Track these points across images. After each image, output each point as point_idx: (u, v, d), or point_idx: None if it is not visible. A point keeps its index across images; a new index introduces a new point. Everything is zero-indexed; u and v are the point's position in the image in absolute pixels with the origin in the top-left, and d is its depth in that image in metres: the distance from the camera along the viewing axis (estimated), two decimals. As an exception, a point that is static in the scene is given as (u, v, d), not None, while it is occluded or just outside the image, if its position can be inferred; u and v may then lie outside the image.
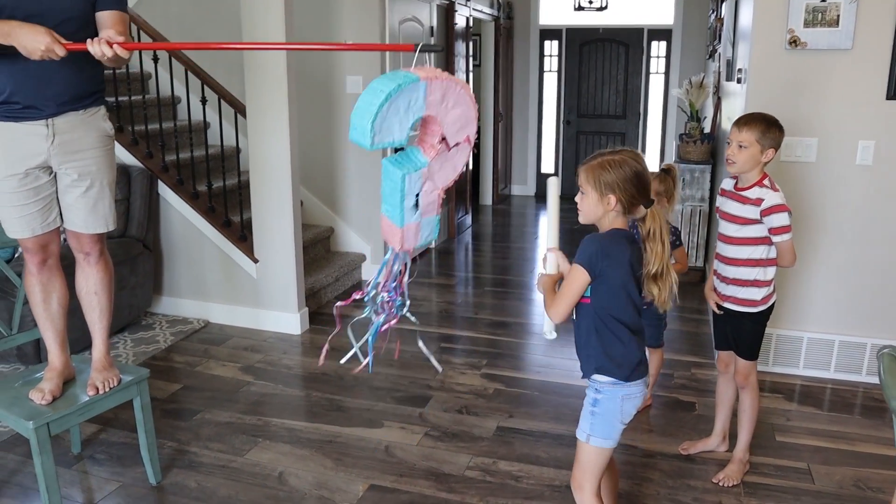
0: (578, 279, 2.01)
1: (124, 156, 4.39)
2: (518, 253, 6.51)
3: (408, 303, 2.02)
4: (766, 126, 2.56)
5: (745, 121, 2.60)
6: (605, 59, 8.28)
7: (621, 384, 2.04)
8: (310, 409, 3.44)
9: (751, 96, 3.58)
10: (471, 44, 6.78)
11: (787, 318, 3.73)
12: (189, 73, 4.40)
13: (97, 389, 2.57)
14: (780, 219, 2.56)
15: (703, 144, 5.23)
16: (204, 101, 4.39)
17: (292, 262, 4.26)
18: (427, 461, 2.95)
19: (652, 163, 8.38)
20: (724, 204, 2.72)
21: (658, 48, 8.10)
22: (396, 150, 1.88)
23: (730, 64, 4.65)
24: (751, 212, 2.59)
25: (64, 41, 2.17)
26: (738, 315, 2.72)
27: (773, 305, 2.73)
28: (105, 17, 2.38)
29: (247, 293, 4.42)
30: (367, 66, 5.06)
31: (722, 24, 5.35)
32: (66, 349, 2.66)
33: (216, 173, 4.62)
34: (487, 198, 8.27)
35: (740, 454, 2.85)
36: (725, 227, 2.70)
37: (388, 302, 2.06)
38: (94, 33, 2.37)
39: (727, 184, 2.75)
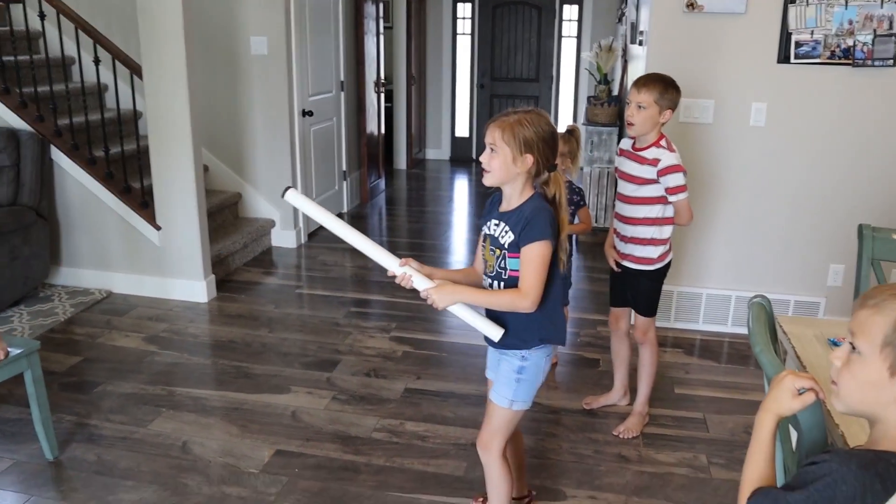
0: (547, 256, 1.88)
1: (12, 119, 4.16)
2: (432, 217, 6.52)
3: None
4: (664, 87, 2.61)
5: (643, 82, 2.64)
6: (518, 22, 8.30)
7: (546, 346, 2.02)
8: (216, 377, 3.39)
9: (651, 59, 3.65)
10: (381, 6, 6.67)
11: (686, 275, 3.87)
12: (80, 31, 4.18)
13: (-18, 363, 2.46)
14: (676, 178, 2.63)
15: (610, 107, 5.32)
16: (97, 61, 4.18)
17: (196, 228, 4.15)
18: (334, 425, 2.95)
19: (563, 126, 8.50)
20: (622, 164, 2.78)
21: (570, 11, 8.16)
22: None
23: (634, 27, 4.73)
24: (648, 172, 2.66)
25: None
26: (635, 273, 2.80)
27: (669, 263, 2.82)
28: None
29: (150, 262, 4.28)
30: (273, 27, 4.92)
31: (627, -12, 5.43)
32: None
33: (114, 138, 4.43)
34: (402, 162, 8.23)
35: (640, 407, 2.96)
36: (623, 187, 2.76)
37: None
38: None
39: (625, 143, 2.81)
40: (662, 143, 2.67)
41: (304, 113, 5.29)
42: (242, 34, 5.00)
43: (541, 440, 2.86)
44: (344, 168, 6.19)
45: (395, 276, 1.98)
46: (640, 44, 4.17)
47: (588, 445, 2.84)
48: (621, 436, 2.88)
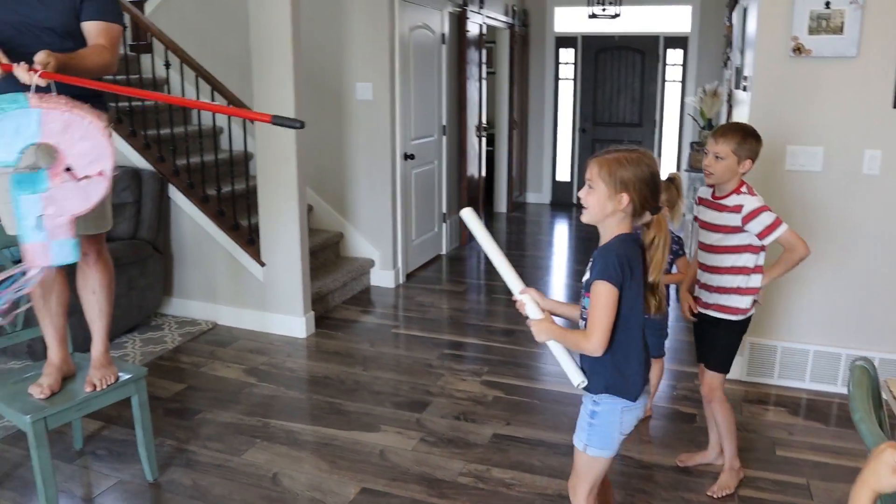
0: (611, 297, 1.84)
1: (136, 159, 4.46)
2: (531, 261, 6.51)
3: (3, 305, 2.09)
4: (743, 137, 2.54)
5: (721, 132, 2.58)
6: (621, 67, 8.26)
7: (619, 399, 1.96)
8: (310, 411, 3.47)
9: (755, 104, 3.56)
10: (484, 51, 6.80)
11: (791, 329, 3.69)
12: (200, 78, 4.46)
13: (94, 386, 2.61)
14: (764, 219, 2.53)
15: (713, 153, 5.19)
16: (214, 106, 4.44)
17: (298, 265, 4.30)
18: (420, 466, 2.96)
19: (670, 169, 8.34)
20: (702, 213, 2.71)
21: (674, 56, 8.06)
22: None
23: (739, 72, 4.62)
24: (731, 219, 2.58)
25: (3, 61, 2.17)
26: (716, 322, 2.70)
27: (751, 318, 2.72)
28: (88, 28, 2.41)
29: (254, 296, 4.46)
30: (378, 73, 5.09)
31: (731, 32, 5.32)
32: (66, 346, 2.72)
33: (226, 178, 4.67)
34: (501, 205, 8.27)
35: (730, 462, 2.83)
36: (706, 236, 2.68)
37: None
38: (81, 44, 2.44)
39: (704, 192, 2.74)
40: (743, 189, 2.59)
41: (406, 156, 5.42)
42: (349, 80, 5.20)
43: (630, 495, 2.77)
44: (444, 210, 6.28)
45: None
46: (744, 89, 4.07)
47: (680, 504, 2.73)
48: (715, 495, 2.75)
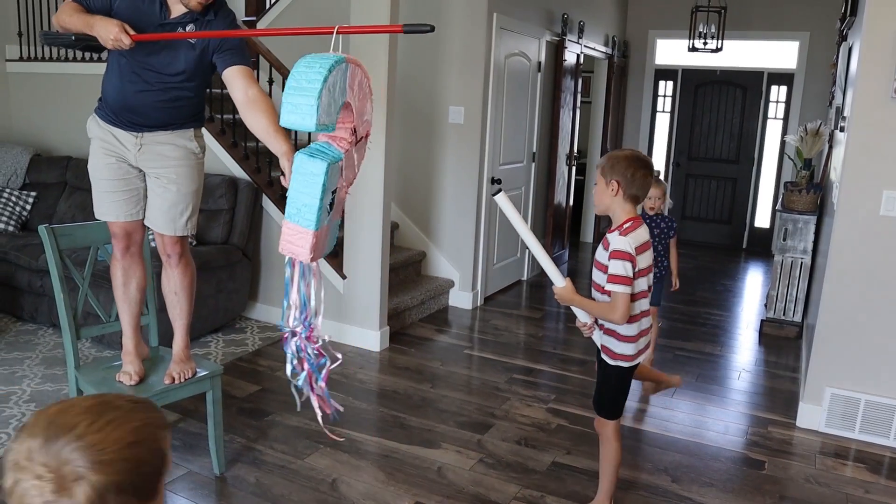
0: (628, 275, 2.39)
1: (235, 169, 4.70)
2: (612, 292, 6.41)
3: (327, 362, 1.86)
4: (609, 158, 2.46)
5: (604, 157, 2.53)
6: (721, 102, 8.09)
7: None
8: (375, 422, 3.55)
9: (850, 145, 3.44)
10: (581, 80, 6.81)
11: (878, 381, 3.52)
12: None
13: (173, 379, 2.77)
14: (615, 266, 2.39)
15: (809, 194, 5.02)
16: (310, 122, 4.63)
17: (378, 280, 4.41)
18: (476, 486, 2.98)
19: (765, 211, 8.09)
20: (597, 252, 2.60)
21: (778, 93, 7.83)
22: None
23: (839, 112, 4.47)
24: (605, 258, 2.47)
25: (132, 33, 2.40)
26: (603, 364, 2.63)
27: (630, 369, 2.60)
28: (231, 74, 2.56)
29: (333, 307, 4.60)
30: (471, 98, 5.19)
31: (836, 70, 5.15)
32: (139, 332, 2.90)
33: (317, 191, 4.85)
34: (588, 235, 8.21)
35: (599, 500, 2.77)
36: (597, 275, 2.55)
37: (304, 350, 1.86)
38: (204, 84, 2.68)
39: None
40: (626, 225, 2.44)
41: (493, 181, 5.48)
42: (442, 103, 5.32)
43: (687, 536, 2.71)
44: (527, 236, 6.28)
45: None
46: (842, 129, 3.93)
47: (739, 551, 2.64)
48: None
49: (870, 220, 3.44)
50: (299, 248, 1.68)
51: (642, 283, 2.48)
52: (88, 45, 2.53)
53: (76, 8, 2.53)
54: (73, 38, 2.50)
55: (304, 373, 1.86)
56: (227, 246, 4.54)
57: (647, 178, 2.44)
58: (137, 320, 2.90)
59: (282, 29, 2.20)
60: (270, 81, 4.77)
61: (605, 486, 2.74)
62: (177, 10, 2.57)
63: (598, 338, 2.62)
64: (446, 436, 3.41)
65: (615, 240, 2.43)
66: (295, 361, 1.85)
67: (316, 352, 1.86)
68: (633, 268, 2.40)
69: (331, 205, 1.69)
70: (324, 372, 1.87)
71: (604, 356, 2.60)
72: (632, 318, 2.48)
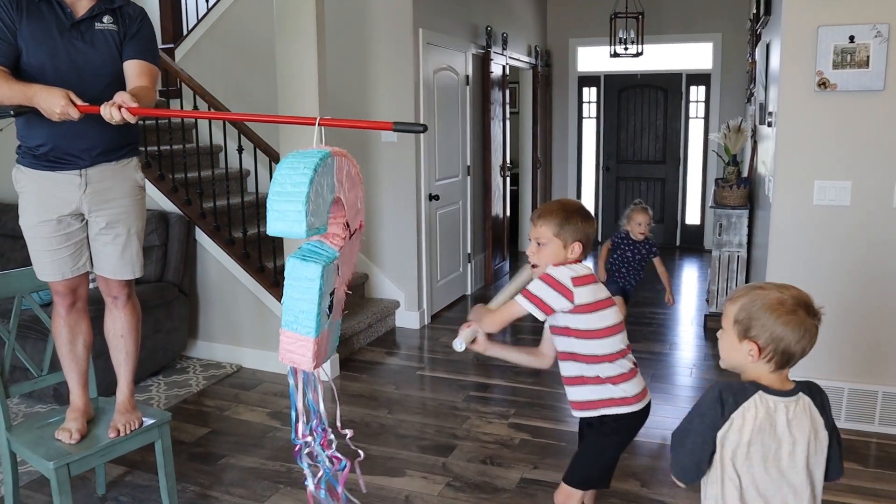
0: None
1: (164, 203, 4.51)
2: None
3: (346, 465, 1.79)
4: (565, 217, 2.16)
5: (539, 213, 2.21)
6: (644, 105, 8.27)
7: None
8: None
9: (781, 139, 3.52)
10: (508, 91, 6.84)
11: (820, 367, 3.59)
12: (228, 122, 4.53)
13: (118, 431, 2.61)
14: (534, 284, 2.14)
15: (739, 189, 5.15)
16: (240, 150, 4.50)
17: (323, 307, 4.28)
18: (447, 511, 2.90)
19: (694, 208, 8.28)
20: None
21: (697, 93, 8.05)
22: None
23: (762, 107, 4.59)
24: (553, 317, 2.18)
25: (79, 103, 2.25)
26: (581, 424, 2.37)
27: (621, 417, 2.20)
28: (130, 67, 2.47)
29: (277, 337, 4.44)
30: (403, 115, 5.13)
31: (755, 68, 5.31)
32: (87, 390, 2.73)
33: (253, 220, 4.71)
34: (526, 244, 8.22)
35: None
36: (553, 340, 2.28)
37: (318, 456, 1.77)
38: (123, 86, 2.48)
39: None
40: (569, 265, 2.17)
41: (431, 197, 5.43)
42: (373, 122, 5.23)
43: (663, 541, 2.68)
44: (469, 250, 6.26)
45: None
46: (769, 125, 4.03)
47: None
48: None
49: (804, 209, 3.52)
50: (301, 357, 1.59)
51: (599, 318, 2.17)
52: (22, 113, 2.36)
53: (4, 76, 2.36)
54: (12, 111, 2.33)
55: (324, 491, 1.80)
56: (162, 283, 4.35)
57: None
58: (86, 377, 2.73)
59: (261, 115, 2.10)
60: (240, 150, 4.61)
61: None
62: (81, 6, 2.44)
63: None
64: (410, 462, 3.32)
65: (553, 269, 2.14)
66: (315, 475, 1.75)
67: (331, 458, 1.77)
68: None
69: (330, 306, 1.59)
70: (341, 477, 1.82)
71: (583, 412, 2.26)
72: (587, 358, 2.19)
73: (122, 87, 2.49)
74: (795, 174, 3.52)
